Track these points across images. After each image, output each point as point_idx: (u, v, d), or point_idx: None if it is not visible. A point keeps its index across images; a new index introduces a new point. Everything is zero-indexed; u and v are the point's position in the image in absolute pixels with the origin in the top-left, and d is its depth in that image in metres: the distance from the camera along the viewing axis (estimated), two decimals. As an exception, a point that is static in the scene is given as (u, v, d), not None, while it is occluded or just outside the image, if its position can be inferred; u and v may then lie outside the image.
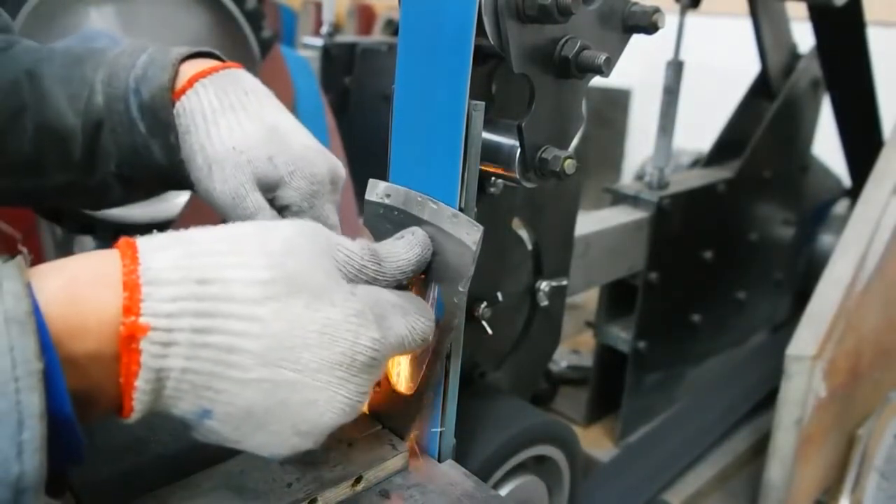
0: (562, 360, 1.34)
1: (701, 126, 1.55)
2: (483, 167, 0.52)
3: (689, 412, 1.22)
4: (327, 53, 1.69)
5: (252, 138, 0.56)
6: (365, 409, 0.57)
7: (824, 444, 1.03)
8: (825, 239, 1.49)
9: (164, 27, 1.19)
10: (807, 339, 0.95)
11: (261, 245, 0.41)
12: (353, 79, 1.73)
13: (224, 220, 0.57)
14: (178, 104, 0.58)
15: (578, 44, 0.49)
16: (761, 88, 1.33)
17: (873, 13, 1.24)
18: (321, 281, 0.42)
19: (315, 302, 0.41)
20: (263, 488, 0.47)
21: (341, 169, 0.61)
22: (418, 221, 0.52)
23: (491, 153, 0.54)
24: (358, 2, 3.28)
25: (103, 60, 0.61)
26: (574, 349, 1.41)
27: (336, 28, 1.74)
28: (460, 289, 0.49)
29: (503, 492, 0.64)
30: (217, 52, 0.63)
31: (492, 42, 0.48)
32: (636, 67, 1.45)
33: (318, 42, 1.70)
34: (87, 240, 1.19)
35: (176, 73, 0.59)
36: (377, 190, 0.55)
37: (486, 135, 0.53)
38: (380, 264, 0.46)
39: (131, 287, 0.37)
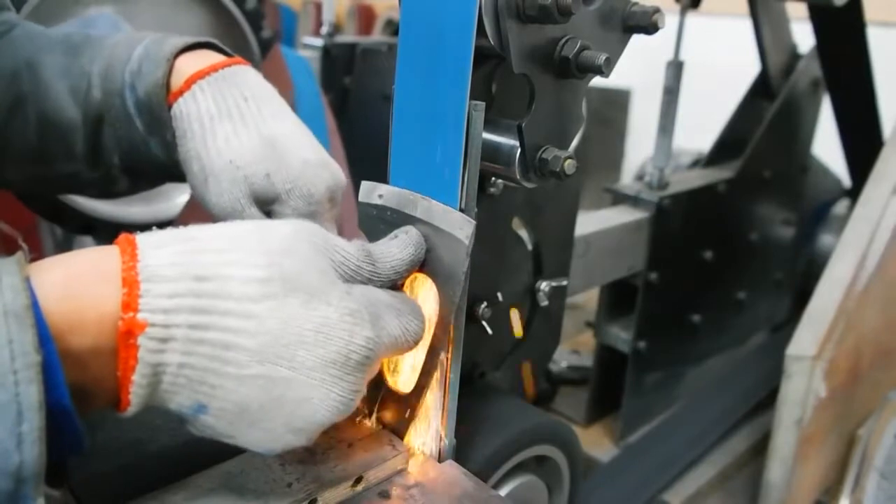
0: (562, 360, 1.34)
1: (701, 126, 1.55)
2: (483, 167, 0.52)
3: (689, 412, 1.22)
4: (327, 53, 1.69)
5: (250, 152, 0.56)
6: (364, 409, 0.57)
7: (824, 444, 1.03)
8: (825, 239, 1.49)
9: (164, 27, 1.19)
10: (807, 339, 0.95)
11: (259, 243, 0.42)
12: (353, 79, 1.73)
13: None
14: (174, 106, 0.57)
15: (578, 44, 0.49)
16: (761, 88, 1.33)
17: (873, 13, 1.24)
18: (317, 280, 0.42)
19: (311, 301, 0.41)
20: (263, 488, 0.47)
21: (342, 180, 0.60)
22: (411, 220, 0.52)
23: (491, 153, 0.54)
24: (358, 2, 3.28)
25: (100, 51, 0.60)
26: (574, 349, 1.41)
27: (336, 28, 1.73)
28: (456, 284, 0.49)
29: (503, 492, 0.64)
30: (216, 42, 0.62)
31: (492, 42, 0.48)
32: (636, 67, 1.44)
33: (318, 42, 1.69)
34: (87, 240, 1.19)
35: (171, 69, 0.58)
36: (370, 192, 0.55)
37: (486, 135, 0.53)
38: (375, 265, 0.47)
39: (130, 283, 0.37)
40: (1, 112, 0.61)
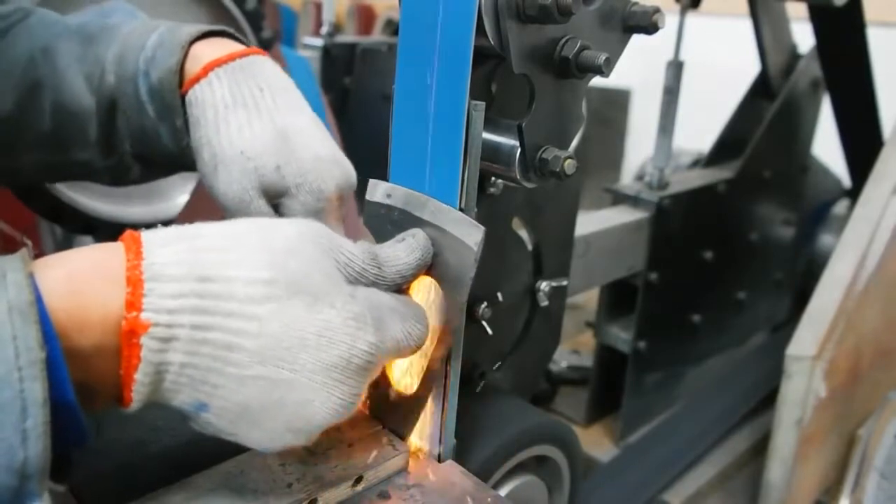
0: (562, 360, 1.34)
1: (701, 126, 1.55)
2: (483, 167, 0.51)
3: (689, 412, 1.22)
4: (327, 53, 1.69)
5: (262, 143, 0.55)
6: (365, 409, 0.57)
7: (824, 444, 1.03)
8: (825, 239, 1.49)
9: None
10: (807, 339, 0.95)
11: (264, 243, 0.42)
12: (353, 79, 1.73)
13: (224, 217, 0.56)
14: (190, 92, 0.57)
15: (578, 44, 0.49)
16: (761, 88, 1.33)
17: (873, 13, 1.24)
18: (322, 282, 0.42)
19: (315, 303, 0.41)
20: (263, 488, 0.47)
21: (353, 177, 0.60)
22: (419, 222, 0.51)
23: (491, 153, 0.54)
24: (358, 2, 3.28)
25: (116, 39, 0.60)
26: (574, 349, 1.41)
27: (336, 28, 1.74)
28: (463, 289, 0.49)
29: (503, 492, 0.64)
30: (232, 31, 0.61)
31: (492, 42, 0.48)
32: (636, 67, 1.44)
33: (318, 42, 1.69)
34: (87, 240, 1.19)
35: (185, 56, 0.58)
36: (378, 190, 0.55)
37: (486, 135, 0.53)
38: (380, 268, 0.46)
39: (134, 282, 0.37)
40: (17, 99, 0.61)
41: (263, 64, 0.59)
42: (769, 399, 1.12)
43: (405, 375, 0.54)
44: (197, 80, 0.57)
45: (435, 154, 0.51)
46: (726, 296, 1.30)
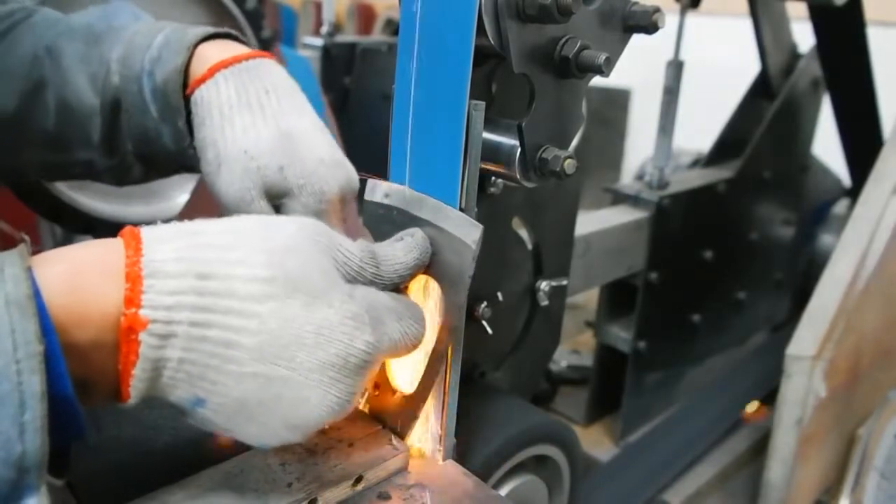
0: (562, 360, 1.34)
1: (701, 126, 1.55)
2: (483, 167, 0.51)
3: (689, 412, 1.22)
4: (327, 53, 1.69)
5: (266, 144, 0.55)
6: (365, 409, 0.57)
7: (824, 444, 1.02)
8: (825, 239, 1.49)
9: (164, 27, 1.19)
10: (807, 339, 0.95)
11: (263, 241, 0.42)
12: (353, 79, 1.73)
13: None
14: (196, 93, 0.57)
15: (578, 43, 0.49)
16: (761, 88, 1.33)
17: (873, 13, 1.24)
18: (320, 281, 0.42)
19: (313, 302, 0.41)
20: (263, 488, 0.47)
21: (355, 180, 0.59)
22: (418, 221, 0.51)
23: (491, 153, 0.54)
24: (358, 2, 3.28)
25: (121, 39, 0.60)
26: (574, 349, 1.41)
27: (336, 28, 1.73)
28: (461, 288, 0.49)
29: (503, 491, 0.64)
30: (237, 34, 0.62)
31: (492, 42, 0.48)
32: (636, 67, 1.44)
33: (318, 42, 1.69)
34: (87, 240, 1.19)
35: (191, 57, 0.58)
36: (377, 190, 0.55)
37: (486, 134, 0.53)
38: (378, 267, 0.47)
39: (133, 279, 0.38)
40: (21, 97, 0.61)
41: (270, 67, 0.59)
42: (769, 399, 1.12)
43: (405, 375, 0.54)
44: (203, 80, 0.57)
45: (435, 154, 0.51)
46: (726, 296, 1.30)
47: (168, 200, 1.15)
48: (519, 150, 0.52)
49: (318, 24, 2.04)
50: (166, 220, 0.43)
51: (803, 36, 1.33)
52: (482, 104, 0.48)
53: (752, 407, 1.25)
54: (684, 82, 1.11)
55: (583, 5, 0.49)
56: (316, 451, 0.51)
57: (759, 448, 1.13)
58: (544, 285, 0.71)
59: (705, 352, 1.29)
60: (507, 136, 0.53)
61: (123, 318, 0.37)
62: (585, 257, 0.94)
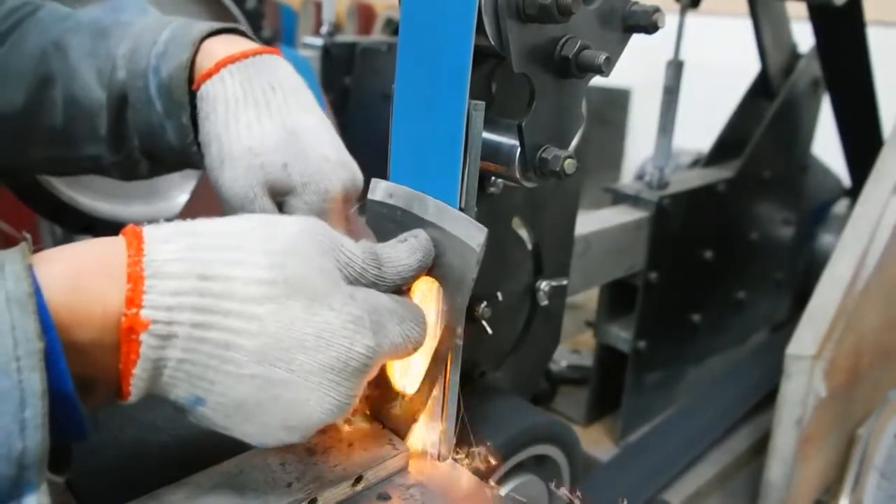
0: (562, 360, 1.34)
1: (701, 126, 1.55)
2: (483, 167, 0.51)
3: (689, 412, 1.22)
4: (327, 53, 1.69)
5: (270, 141, 0.55)
6: (365, 409, 0.57)
7: (824, 443, 1.03)
8: (825, 239, 1.49)
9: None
10: (807, 338, 0.95)
11: (264, 242, 0.42)
12: (353, 79, 1.73)
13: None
14: (202, 87, 0.57)
15: (578, 43, 0.49)
16: (761, 88, 1.33)
17: (873, 13, 1.24)
18: (321, 283, 0.42)
19: (314, 305, 0.41)
20: (263, 488, 0.47)
21: (359, 179, 0.59)
22: (421, 222, 0.51)
23: (491, 153, 0.54)
24: (358, 2, 3.28)
25: (128, 34, 0.60)
26: (574, 349, 1.41)
27: (336, 28, 1.73)
28: (464, 291, 0.49)
29: (503, 491, 0.64)
30: (244, 29, 0.61)
31: (492, 42, 0.48)
32: (636, 67, 1.44)
33: (318, 42, 1.69)
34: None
35: (196, 52, 0.58)
36: (380, 189, 0.55)
37: (486, 134, 0.53)
38: (380, 268, 0.46)
39: (135, 279, 0.38)
40: (28, 92, 0.61)
41: (276, 63, 0.59)
42: (769, 399, 1.12)
43: (405, 375, 0.54)
44: (209, 75, 0.57)
45: (435, 154, 0.51)
46: (726, 295, 1.30)
47: (168, 200, 1.15)
48: (519, 149, 0.52)
49: (318, 23, 2.03)
50: (168, 220, 0.42)
51: (803, 36, 1.33)
52: (482, 104, 0.48)
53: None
54: (684, 82, 1.11)
55: (583, 5, 0.49)
56: (316, 450, 0.51)
57: (759, 448, 1.13)
58: (544, 285, 0.71)
59: (705, 352, 1.29)
60: (507, 136, 0.53)
61: (124, 319, 0.37)
62: (585, 257, 0.94)
